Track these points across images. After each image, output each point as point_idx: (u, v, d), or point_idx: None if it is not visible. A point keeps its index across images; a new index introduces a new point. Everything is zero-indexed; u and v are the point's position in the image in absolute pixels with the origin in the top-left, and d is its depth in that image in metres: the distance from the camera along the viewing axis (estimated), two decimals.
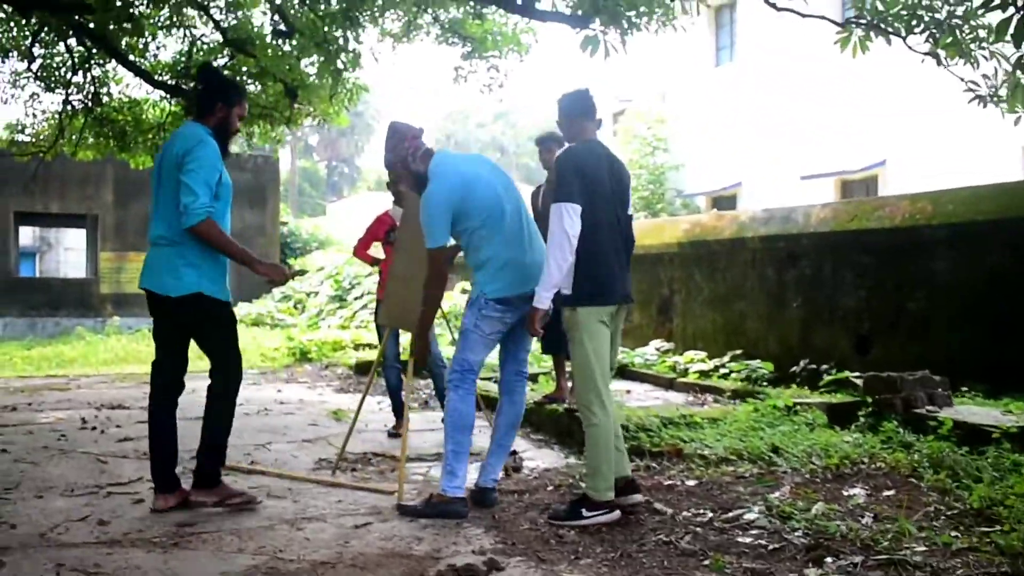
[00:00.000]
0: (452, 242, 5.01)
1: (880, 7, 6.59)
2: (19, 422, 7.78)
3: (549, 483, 5.53)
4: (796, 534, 4.12)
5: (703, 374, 9.46)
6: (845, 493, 4.87)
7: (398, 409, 7.31)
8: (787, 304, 9.31)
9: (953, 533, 4.07)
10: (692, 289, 10.64)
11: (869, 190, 17.68)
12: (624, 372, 10.00)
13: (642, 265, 11.24)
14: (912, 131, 16.45)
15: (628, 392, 8.99)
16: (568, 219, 4.56)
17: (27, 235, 37.89)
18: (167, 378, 5.07)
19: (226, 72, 12.70)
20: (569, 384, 7.62)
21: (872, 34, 6.72)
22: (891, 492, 4.86)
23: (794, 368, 8.84)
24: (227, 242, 4.77)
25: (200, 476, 4.98)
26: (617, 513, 4.56)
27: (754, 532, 4.22)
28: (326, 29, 9.38)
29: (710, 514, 4.56)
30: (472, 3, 10.50)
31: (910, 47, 6.62)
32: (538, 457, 6.41)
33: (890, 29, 6.59)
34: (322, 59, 9.86)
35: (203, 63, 5.56)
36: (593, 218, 4.64)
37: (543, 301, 4.66)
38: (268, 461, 6.27)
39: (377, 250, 7.53)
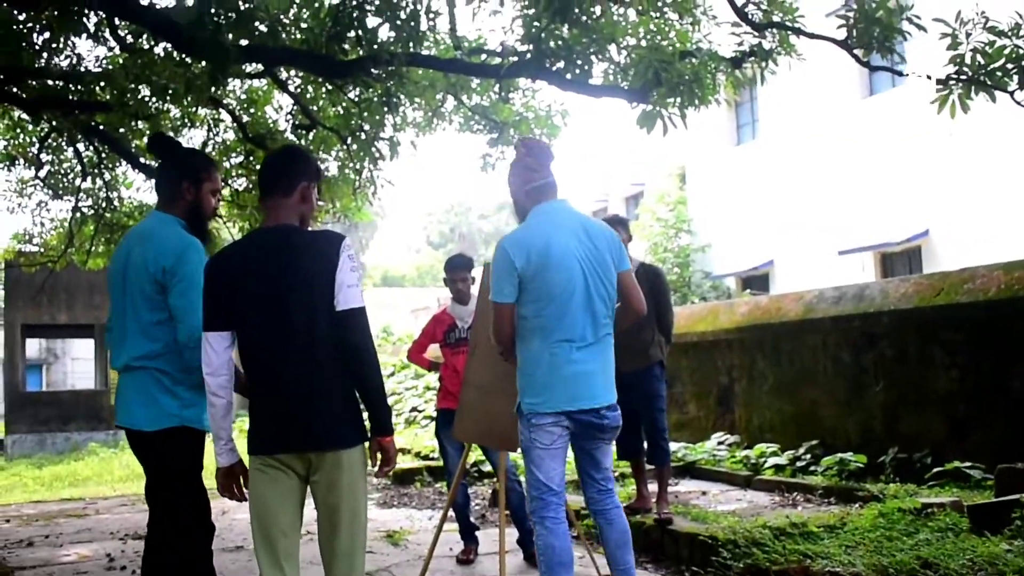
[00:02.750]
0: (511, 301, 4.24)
1: (981, 60, 5.99)
2: (38, 562, 6.97)
3: None
4: None
5: (780, 468, 8.65)
6: None
7: (466, 532, 6.51)
8: (867, 388, 8.55)
9: None
10: (755, 376, 9.89)
11: (912, 262, 17.05)
12: (692, 470, 9.19)
13: (697, 353, 10.52)
14: (954, 199, 15.92)
15: (704, 494, 8.19)
16: None
17: (33, 346, 37.26)
18: (156, 536, 3.97)
19: (241, 170, 12.21)
20: (653, 489, 6.87)
21: (973, 91, 6.10)
22: None
23: (882, 458, 8.05)
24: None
25: None
26: None
27: None
28: (362, 118, 8.81)
29: None
30: (498, 88, 9.98)
31: (1018, 102, 6.00)
32: None
33: (994, 83, 5.98)
34: (355, 148, 9.28)
35: (155, 133, 4.56)
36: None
37: None
38: None
39: (435, 352, 6.81)
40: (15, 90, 9.31)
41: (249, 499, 3.44)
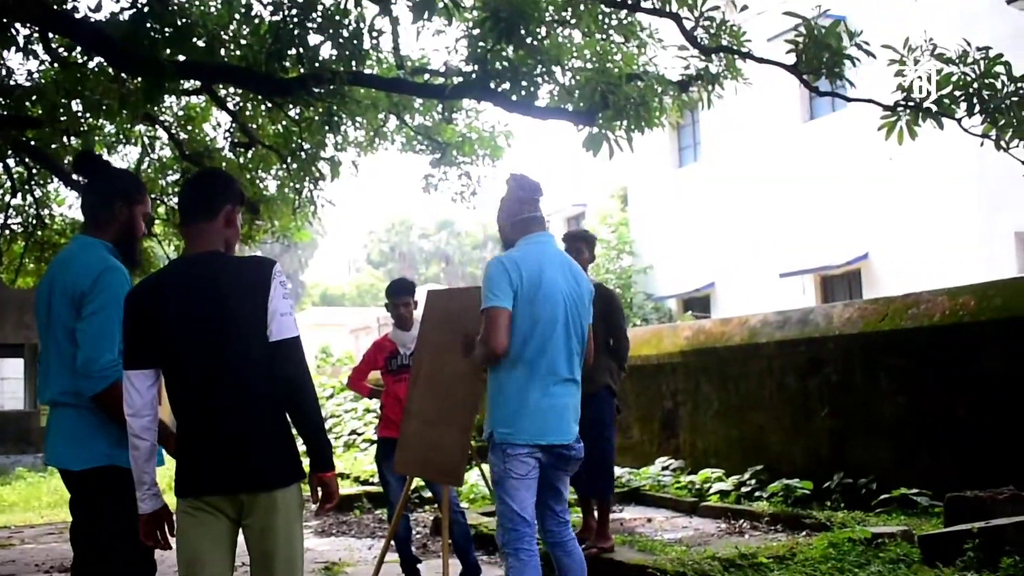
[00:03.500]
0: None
1: (930, 88, 5.98)
2: None
3: None
4: None
5: (726, 494, 8.57)
6: None
7: (407, 565, 6.31)
8: (813, 414, 8.51)
9: None
10: (700, 401, 9.81)
11: (852, 285, 17.20)
12: (636, 496, 9.09)
13: (641, 376, 10.42)
14: (894, 223, 16.09)
15: (649, 521, 8.08)
16: None
17: None
18: None
19: (178, 188, 11.91)
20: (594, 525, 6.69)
21: (920, 118, 6.09)
22: None
23: (828, 484, 8.00)
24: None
25: None
26: None
27: None
28: (302, 137, 8.61)
29: None
30: (441, 109, 9.86)
31: (965, 129, 6.01)
32: None
33: (942, 111, 5.97)
34: (295, 168, 9.08)
35: (81, 152, 4.28)
36: None
37: None
38: None
39: (376, 377, 6.61)
40: None
41: (176, 545, 3.21)
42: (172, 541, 3.28)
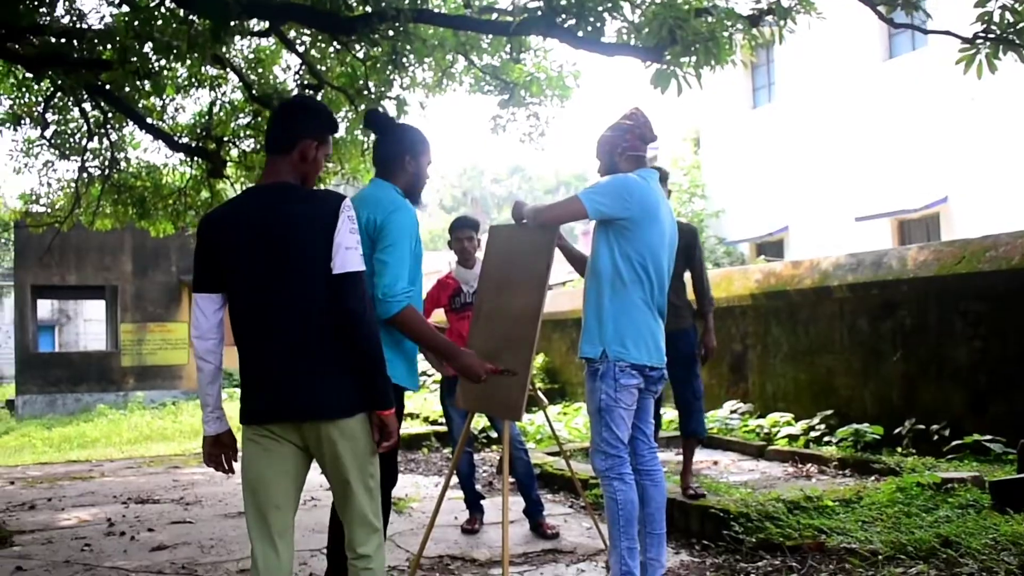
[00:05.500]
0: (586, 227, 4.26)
1: (1011, 18, 5.72)
2: (37, 526, 6.85)
3: None
4: None
5: (794, 439, 8.48)
6: None
7: (471, 501, 6.37)
8: (885, 358, 8.34)
9: None
10: (769, 344, 9.68)
11: (930, 230, 16.73)
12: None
13: None
14: (974, 166, 15.57)
15: (715, 463, 8.04)
16: None
17: (45, 307, 37.28)
18: None
19: (250, 131, 12.01)
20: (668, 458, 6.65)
21: (1001, 50, 5.84)
22: None
23: (899, 430, 7.85)
24: (432, 332, 3.84)
25: None
26: None
27: None
28: (368, 77, 8.58)
29: None
30: (509, 48, 9.75)
31: None
32: None
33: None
34: (362, 108, 9.05)
35: (370, 110, 4.43)
36: None
37: None
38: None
39: (440, 316, 6.63)
40: (16, 47, 9.10)
41: (241, 471, 3.27)
42: (236, 466, 3.34)
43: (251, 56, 11.32)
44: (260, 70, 11.34)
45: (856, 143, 17.94)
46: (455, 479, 6.16)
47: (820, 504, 5.58)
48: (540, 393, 11.86)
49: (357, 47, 8.81)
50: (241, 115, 11.92)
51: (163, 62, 9.09)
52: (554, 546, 5.75)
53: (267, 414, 3.19)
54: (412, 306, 3.66)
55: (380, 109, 8.49)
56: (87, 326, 39.26)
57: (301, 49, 10.10)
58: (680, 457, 7.94)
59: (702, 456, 8.38)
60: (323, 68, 10.28)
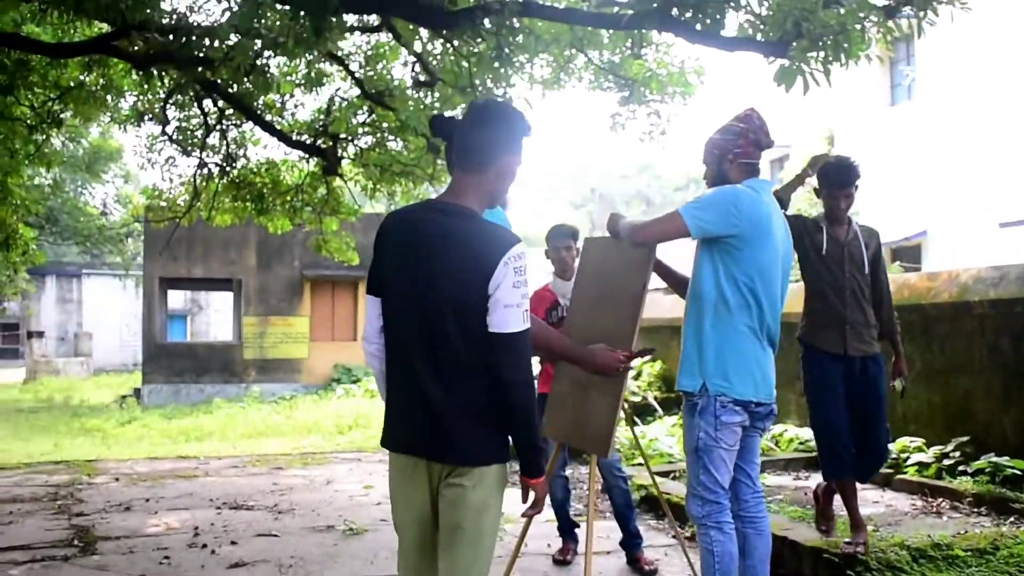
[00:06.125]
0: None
1: None
2: (124, 532, 6.75)
3: None
4: None
5: (924, 467, 7.79)
6: None
7: (565, 529, 5.97)
8: None
9: None
10: None
11: None
12: None
13: None
14: None
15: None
16: None
17: (178, 298, 38.42)
18: None
19: (366, 128, 11.87)
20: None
21: None
22: None
23: None
24: (553, 334, 3.66)
25: None
26: None
27: None
28: (473, 71, 8.25)
29: None
30: (629, 44, 9.32)
31: None
32: None
33: None
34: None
35: (435, 115, 4.07)
36: None
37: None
38: None
39: None
40: (126, 45, 9.10)
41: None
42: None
43: (369, 52, 11.16)
44: (379, 66, 11.17)
45: (1003, 143, 16.84)
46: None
47: (950, 553, 4.98)
48: (654, 401, 11.47)
49: (465, 41, 8.49)
50: (359, 112, 11.78)
51: (269, 58, 8.97)
52: None
53: (398, 443, 2.98)
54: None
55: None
56: (217, 316, 40.29)
57: (418, 47, 9.86)
58: (798, 483, 7.40)
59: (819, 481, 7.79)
60: (437, 64, 10.01)
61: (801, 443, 9.04)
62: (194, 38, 8.36)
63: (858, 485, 5.48)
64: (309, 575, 5.57)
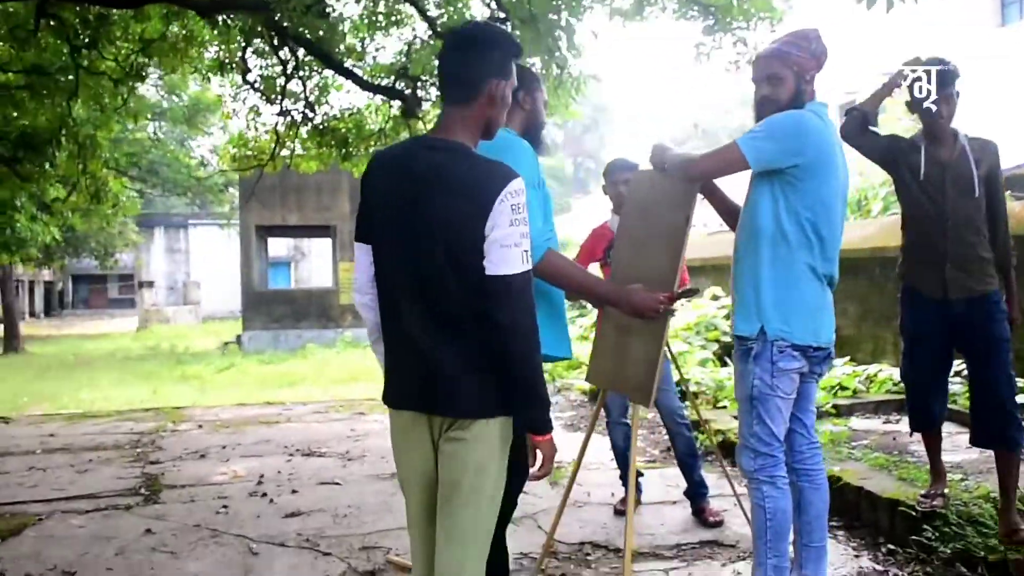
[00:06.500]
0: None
1: None
2: (190, 481, 6.80)
3: None
4: None
5: None
6: None
7: (627, 477, 5.76)
8: None
9: None
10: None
11: None
12: None
13: None
14: None
15: None
16: None
17: (282, 245, 39.05)
18: None
19: None
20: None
21: None
22: None
23: None
24: (584, 274, 3.43)
25: None
26: None
27: None
28: (530, 4, 7.95)
29: None
30: None
31: None
32: None
33: None
34: (531, 38, 8.44)
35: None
36: None
37: None
38: None
39: (595, 271, 5.98)
40: None
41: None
42: None
43: None
44: (458, 5, 10.90)
45: None
46: (595, 457, 5.54)
47: None
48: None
49: None
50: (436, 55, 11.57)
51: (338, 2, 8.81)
52: (714, 537, 5.07)
53: (397, 398, 2.79)
54: (554, 249, 3.20)
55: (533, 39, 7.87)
56: (320, 263, 40.86)
57: None
58: (887, 427, 7.05)
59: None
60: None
61: (895, 383, 8.60)
62: None
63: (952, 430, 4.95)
64: (362, 524, 5.48)
